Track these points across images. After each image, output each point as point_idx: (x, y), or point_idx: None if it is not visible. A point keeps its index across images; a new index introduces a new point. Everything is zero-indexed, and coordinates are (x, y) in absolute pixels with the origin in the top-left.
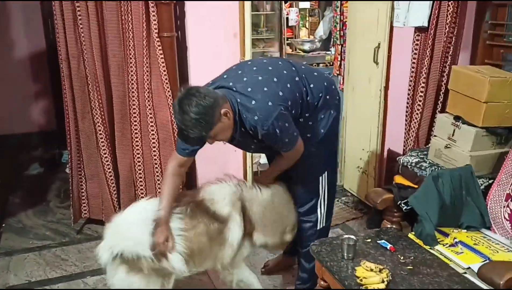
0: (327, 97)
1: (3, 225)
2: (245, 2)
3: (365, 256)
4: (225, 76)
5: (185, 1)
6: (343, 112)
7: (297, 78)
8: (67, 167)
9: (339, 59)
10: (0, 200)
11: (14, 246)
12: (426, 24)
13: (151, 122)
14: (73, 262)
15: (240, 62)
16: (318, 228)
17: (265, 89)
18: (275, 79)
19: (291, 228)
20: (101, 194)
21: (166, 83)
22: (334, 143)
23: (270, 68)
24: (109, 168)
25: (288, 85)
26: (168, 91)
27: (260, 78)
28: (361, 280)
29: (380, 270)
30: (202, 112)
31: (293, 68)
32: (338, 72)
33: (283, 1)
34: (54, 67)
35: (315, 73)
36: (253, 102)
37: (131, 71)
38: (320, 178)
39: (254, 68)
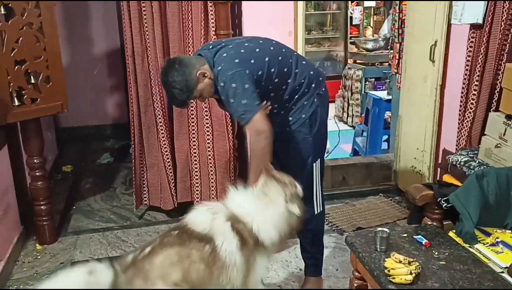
0: (312, 85)
1: (74, 207)
2: (299, 1)
3: (398, 249)
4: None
5: (242, 1)
6: (399, 111)
7: (280, 58)
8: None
9: (397, 57)
10: (73, 185)
11: (81, 226)
12: (480, 21)
13: (206, 115)
14: (131, 244)
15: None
16: (316, 213)
17: (242, 51)
18: (257, 50)
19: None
20: (160, 183)
21: None
22: (320, 131)
23: (261, 41)
24: (168, 158)
25: (266, 59)
26: None
27: (246, 44)
28: (388, 271)
29: (409, 263)
30: (181, 80)
31: (283, 50)
32: (396, 71)
33: (349, 0)
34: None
35: (304, 62)
36: (224, 54)
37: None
38: (314, 165)
39: (247, 39)
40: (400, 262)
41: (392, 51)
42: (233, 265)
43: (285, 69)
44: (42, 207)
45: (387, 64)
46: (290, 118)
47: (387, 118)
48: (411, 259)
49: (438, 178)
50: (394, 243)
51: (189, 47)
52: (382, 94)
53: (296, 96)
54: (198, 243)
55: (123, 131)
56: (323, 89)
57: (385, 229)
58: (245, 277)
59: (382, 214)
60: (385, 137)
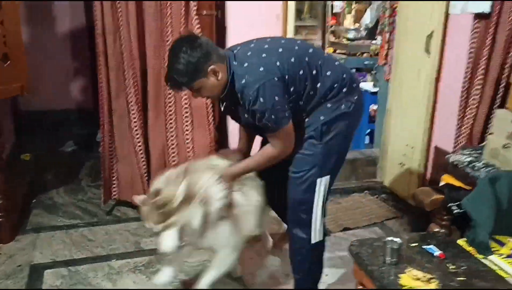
0: (343, 90)
1: (34, 201)
2: None
3: (409, 262)
4: (244, 42)
5: None
6: (387, 104)
7: (307, 59)
8: (100, 146)
9: (386, 48)
10: (33, 176)
11: (42, 223)
12: (488, 10)
13: (186, 104)
14: (99, 244)
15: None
16: (313, 242)
17: (264, 55)
18: (280, 50)
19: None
20: (132, 176)
21: None
22: (336, 143)
23: (283, 41)
24: (140, 150)
25: (292, 60)
26: None
27: (266, 46)
28: None
29: (429, 280)
30: (189, 62)
31: (310, 50)
32: (384, 62)
33: None
34: (94, 44)
35: (336, 63)
36: (246, 64)
37: (168, 49)
38: (318, 180)
39: (269, 39)
40: (418, 279)
41: (375, 41)
42: None
43: (314, 72)
44: None
45: (367, 54)
46: (307, 120)
47: (370, 112)
48: (430, 276)
49: (430, 177)
50: (404, 254)
51: (167, 27)
52: (368, 86)
53: (324, 101)
54: None
55: (88, 117)
56: (355, 97)
57: (397, 239)
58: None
59: (369, 213)
60: (366, 130)
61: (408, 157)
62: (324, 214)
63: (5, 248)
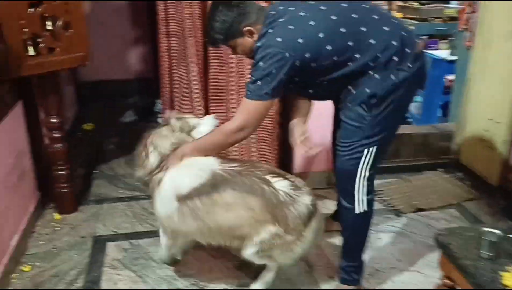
0: (394, 58)
1: (96, 171)
2: None
3: (509, 257)
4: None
5: None
6: (467, 73)
7: (345, 29)
8: (158, 116)
9: (467, 11)
10: (95, 146)
11: (104, 194)
12: None
13: (248, 74)
14: None
15: None
16: (356, 212)
17: (291, 27)
18: (311, 22)
19: None
20: None
21: None
22: (389, 114)
23: (322, 8)
24: None
25: (321, 35)
26: None
27: (301, 14)
28: None
29: None
30: (225, 21)
31: (353, 16)
32: (465, 27)
33: None
34: (153, 12)
35: (386, 28)
36: (271, 30)
37: None
38: (366, 150)
39: (311, 2)
40: None
41: (453, 5)
42: None
43: (351, 43)
44: (61, 172)
45: (440, 20)
46: (355, 92)
47: (445, 82)
48: None
49: None
50: (501, 247)
51: None
52: (442, 54)
53: (370, 71)
54: None
55: (147, 87)
56: (409, 65)
57: (496, 231)
58: None
59: (444, 193)
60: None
61: (491, 132)
62: (370, 185)
63: (69, 218)
